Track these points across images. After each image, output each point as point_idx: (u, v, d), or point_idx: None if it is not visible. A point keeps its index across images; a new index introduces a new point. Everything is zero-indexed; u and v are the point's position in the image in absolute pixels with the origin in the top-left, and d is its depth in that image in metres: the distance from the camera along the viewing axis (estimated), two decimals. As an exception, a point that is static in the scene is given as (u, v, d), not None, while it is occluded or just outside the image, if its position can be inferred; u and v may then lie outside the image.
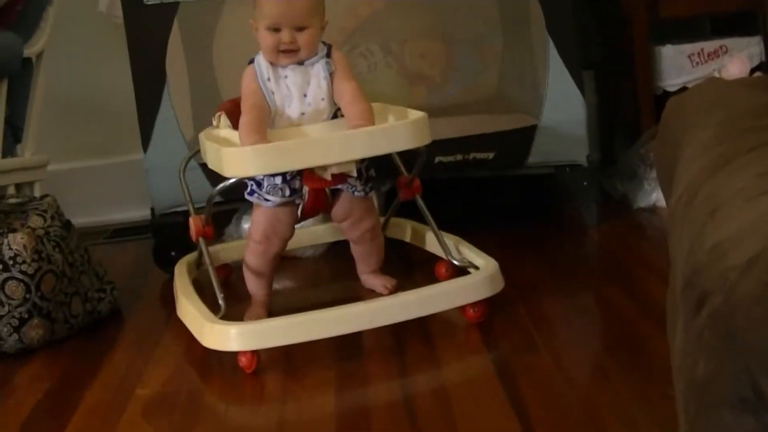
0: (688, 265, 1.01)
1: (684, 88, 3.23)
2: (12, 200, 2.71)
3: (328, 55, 2.34)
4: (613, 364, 2.06)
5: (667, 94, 3.25)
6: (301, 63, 2.32)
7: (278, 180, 2.33)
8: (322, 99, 2.32)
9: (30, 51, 3.08)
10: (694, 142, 1.39)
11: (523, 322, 2.29)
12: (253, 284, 2.45)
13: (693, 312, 0.94)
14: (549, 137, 2.85)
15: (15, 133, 3.11)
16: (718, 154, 1.26)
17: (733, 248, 0.91)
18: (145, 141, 2.85)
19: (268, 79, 2.30)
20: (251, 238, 2.43)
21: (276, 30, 2.28)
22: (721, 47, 3.26)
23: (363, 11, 2.88)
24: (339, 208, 2.45)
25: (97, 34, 3.63)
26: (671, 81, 3.25)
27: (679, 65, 3.25)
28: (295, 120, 2.32)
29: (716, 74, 3.24)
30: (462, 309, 2.29)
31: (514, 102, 2.88)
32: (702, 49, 3.25)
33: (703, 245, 0.99)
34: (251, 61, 2.35)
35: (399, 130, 2.22)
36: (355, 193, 2.41)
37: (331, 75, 2.32)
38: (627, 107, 3.34)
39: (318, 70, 2.32)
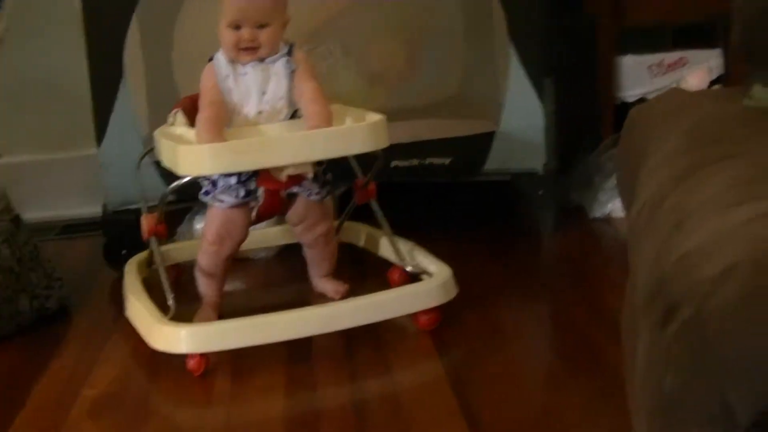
0: (653, 276, 0.99)
1: (642, 99, 3.23)
2: (-40, 193, 2.66)
3: (290, 53, 2.32)
4: (566, 373, 2.06)
5: (625, 105, 3.23)
6: (261, 60, 2.29)
7: (233, 180, 2.30)
8: (281, 98, 2.29)
9: (-16, 40, 3.04)
10: (657, 151, 1.38)
11: (475, 329, 2.28)
12: (205, 286, 2.41)
13: (659, 325, 0.92)
14: (507, 144, 2.83)
15: (-34, 124, 3.06)
16: (683, 164, 1.25)
17: (704, 259, 0.89)
18: (100, 135, 2.80)
19: (227, 77, 2.27)
20: (204, 239, 2.39)
21: (237, 27, 2.25)
22: (681, 59, 3.26)
23: (324, 11, 2.86)
24: (294, 212, 2.42)
25: (54, 23, 3.57)
26: (630, 92, 3.25)
27: (638, 76, 3.24)
28: (252, 118, 2.29)
29: (675, 86, 3.24)
30: (414, 315, 2.28)
31: (474, 107, 2.87)
32: (662, 60, 3.25)
33: (669, 256, 0.97)
34: (211, 59, 2.32)
35: (357, 133, 2.20)
36: (311, 196, 2.38)
37: (292, 74, 2.29)
38: (587, 116, 3.33)
39: (278, 68, 2.29)
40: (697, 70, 3.18)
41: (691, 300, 0.86)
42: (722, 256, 0.87)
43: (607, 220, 3.03)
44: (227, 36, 2.26)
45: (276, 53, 2.30)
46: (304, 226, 2.46)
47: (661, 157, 1.33)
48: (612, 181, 3.02)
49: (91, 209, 3.39)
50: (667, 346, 0.90)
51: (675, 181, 1.19)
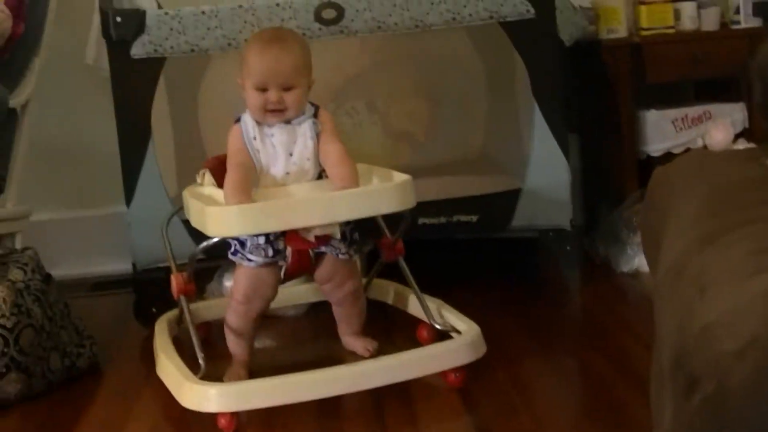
0: (676, 344, 1.00)
1: (668, 153, 3.25)
2: (-8, 252, 2.69)
3: (316, 115, 2.34)
4: (593, 429, 2.05)
5: (650, 159, 3.26)
6: (288, 122, 2.31)
7: (261, 240, 2.32)
8: (308, 159, 2.32)
9: (15, 101, 3.07)
10: (680, 214, 1.39)
11: (503, 386, 2.28)
12: (234, 344, 2.43)
13: (684, 396, 0.93)
14: (533, 201, 2.85)
15: (-3, 183, 3.09)
16: (705, 228, 1.26)
17: (725, 332, 0.90)
18: (129, 195, 2.83)
19: (254, 138, 2.30)
20: (233, 298, 2.41)
21: (263, 89, 2.28)
22: (705, 113, 3.28)
23: (349, 69, 2.89)
24: (322, 271, 2.44)
25: (82, 85, 3.63)
26: (655, 146, 3.27)
27: (663, 130, 3.26)
28: (279, 179, 2.32)
29: (700, 140, 3.25)
30: (443, 373, 2.28)
31: (499, 164, 2.89)
32: (686, 115, 3.27)
33: (692, 325, 0.98)
34: (238, 120, 2.35)
35: (384, 193, 2.22)
36: (339, 255, 2.40)
37: (318, 135, 2.32)
38: (611, 171, 3.34)
39: (305, 129, 2.32)
40: (721, 124, 3.19)
41: (713, 374, 0.88)
42: (742, 330, 0.88)
43: (635, 274, 3.04)
44: (253, 98, 2.30)
45: (302, 114, 2.33)
46: (332, 285, 2.47)
47: (684, 221, 1.34)
48: (638, 236, 3.03)
49: (120, 266, 3.44)
50: (690, 419, 0.91)
51: (697, 246, 1.20)
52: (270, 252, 2.33)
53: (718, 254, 1.12)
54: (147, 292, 2.90)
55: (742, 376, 0.83)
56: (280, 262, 2.37)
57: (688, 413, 0.91)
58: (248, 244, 2.34)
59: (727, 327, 0.91)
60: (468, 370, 2.29)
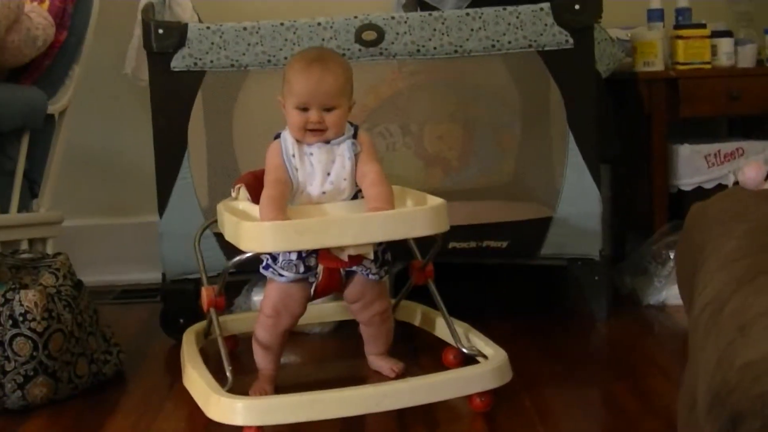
0: (716, 380, 1.01)
1: (699, 188, 3.25)
2: (24, 255, 2.71)
3: (355, 135, 2.36)
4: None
5: (681, 193, 3.26)
6: (327, 141, 2.33)
7: (293, 256, 2.34)
8: (345, 179, 2.33)
9: (53, 107, 3.11)
10: (718, 251, 1.40)
11: (528, 414, 2.28)
12: (261, 358, 2.44)
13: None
14: (563, 229, 2.86)
15: (32, 187, 3.12)
16: (743, 267, 1.27)
17: (768, 371, 0.91)
18: (162, 206, 2.86)
19: (293, 156, 2.32)
20: (261, 312, 2.43)
21: (304, 109, 2.30)
22: (737, 149, 3.28)
23: (384, 91, 2.90)
24: (352, 290, 2.45)
25: (119, 95, 3.66)
26: (686, 180, 3.27)
27: (695, 165, 3.26)
28: (315, 198, 2.33)
29: (732, 176, 3.25)
30: (468, 397, 2.28)
31: (530, 191, 2.90)
32: (719, 151, 3.27)
33: (732, 363, 0.99)
34: (277, 136, 2.37)
35: (418, 216, 2.22)
36: (370, 276, 2.41)
37: (356, 155, 2.33)
38: (641, 203, 3.35)
39: (343, 150, 2.33)
40: (753, 162, 3.19)
41: (757, 413, 0.88)
42: (788, 370, 0.88)
43: (662, 307, 3.04)
44: (295, 117, 2.31)
45: (342, 135, 2.34)
46: (361, 305, 2.48)
47: (722, 259, 1.35)
48: (666, 269, 3.03)
49: (148, 275, 3.46)
50: (733, 457, 0.92)
51: (736, 284, 1.20)
52: (301, 268, 2.34)
53: (757, 293, 1.13)
54: (175, 302, 2.92)
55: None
56: (311, 279, 2.38)
57: (731, 450, 0.92)
58: (280, 259, 2.35)
59: (770, 366, 0.92)
60: (493, 395, 2.29)
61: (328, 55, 2.42)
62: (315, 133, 2.31)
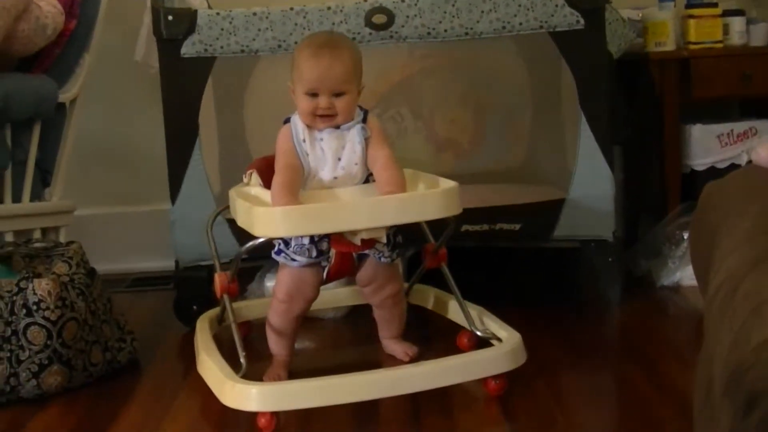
0: (732, 360, 1.00)
1: (712, 168, 3.24)
2: (37, 244, 2.71)
3: (364, 120, 2.35)
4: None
5: (694, 173, 3.25)
6: (337, 127, 2.33)
7: (306, 241, 2.34)
8: (356, 164, 2.33)
9: (64, 96, 3.10)
10: (733, 230, 1.39)
11: (543, 398, 2.28)
12: (275, 344, 2.44)
13: (742, 412, 0.93)
14: (576, 211, 2.85)
15: (44, 176, 3.12)
16: (758, 247, 1.26)
17: (785, 350, 0.90)
18: (174, 193, 2.86)
19: (304, 141, 2.31)
20: (275, 297, 2.43)
21: (314, 95, 2.30)
22: (750, 129, 3.27)
23: (395, 75, 2.90)
24: (364, 273, 2.45)
25: (130, 82, 3.66)
26: (699, 160, 3.26)
27: (707, 145, 3.25)
28: (326, 183, 2.33)
29: (745, 155, 3.24)
30: (483, 381, 2.28)
31: (543, 174, 2.89)
32: (731, 130, 3.26)
33: (748, 342, 0.98)
34: (287, 120, 2.36)
35: (430, 199, 2.22)
36: (382, 259, 2.41)
37: (366, 140, 2.33)
38: (654, 185, 3.34)
39: (353, 135, 2.33)
40: (767, 141, 3.18)
41: (773, 391, 0.88)
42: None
43: (676, 288, 3.03)
44: (304, 103, 2.31)
45: (351, 120, 2.34)
46: (373, 288, 2.48)
47: (737, 238, 1.34)
48: (680, 250, 3.02)
49: (161, 263, 3.46)
50: (749, 436, 0.91)
51: (751, 264, 1.20)
52: (314, 253, 2.34)
53: (774, 272, 1.12)
54: (188, 289, 2.92)
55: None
56: (323, 263, 2.38)
57: (747, 430, 0.91)
58: (292, 244, 2.35)
59: (787, 345, 0.91)
60: (508, 379, 2.29)
61: (338, 39, 2.41)
62: (325, 118, 2.31)
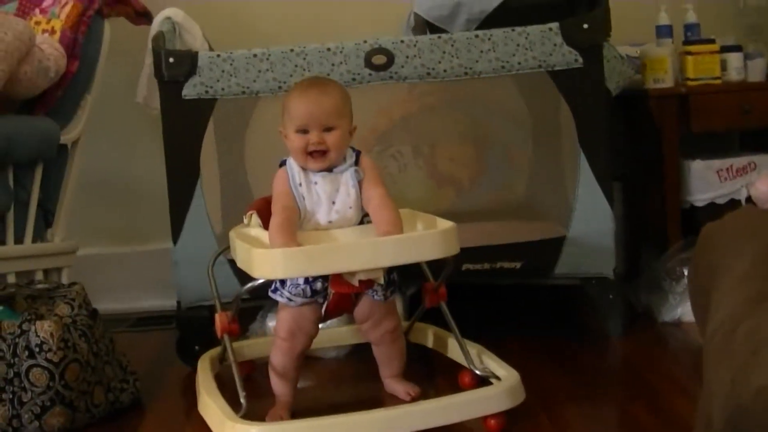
0: (731, 403, 1.01)
1: (712, 204, 3.25)
2: (40, 285, 2.72)
3: (357, 162, 2.37)
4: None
5: (694, 209, 3.26)
6: (330, 170, 2.35)
7: (300, 281, 2.35)
8: (350, 207, 2.35)
9: (66, 137, 3.12)
10: (730, 272, 1.40)
11: (545, 431, 2.28)
12: (278, 385, 2.44)
13: (738, 457, 0.93)
14: (577, 249, 2.86)
15: (46, 217, 3.13)
16: (756, 288, 1.26)
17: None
18: (176, 233, 2.86)
19: (300, 184, 2.34)
20: (277, 336, 2.43)
21: (304, 132, 2.32)
22: (750, 164, 3.27)
23: (396, 113, 2.91)
24: (360, 310, 2.46)
25: (132, 123, 3.68)
26: (699, 195, 3.26)
27: (707, 180, 3.25)
28: (322, 226, 2.35)
29: (744, 190, 3.24)
30: (483, 419, 2.28)
31: (543, 211, 2.90)
32: (731, 165, 3.26)
33: (748, 385, 0.98)
34: (283, 163, 2.38)
35: (428, 240, 2.23)
36: (375, 297, 2.42)
37: (360, 182, 2.35)
38: (654, 220, 3.34)
39: (347, 178, 2.35)
40: (766, 176, 3.18)
41: (772, 438, 0.88)
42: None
43: (677, 324, 3.03)
44: (295, 141, 2.34)
45: (344, 161, 2.36)
46: (370, 324, 2.49)
47: (734, 279, 1.34)
48: (681, 286, 3.03)
49: (164, 302, 3.47)
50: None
51: (748, 305, 1.20)
52: (308, 292, 2.36)
53: (771, 314, 1.13)
54: (190, 329, 2.92)
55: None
56: (320, 300, 2.39)
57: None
58: (288, 283, 2.36)
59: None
60: (508, 416, 2.29)
61: (324, 79, 2.50)
62: (316, 156, 2.33)
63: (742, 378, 1.02)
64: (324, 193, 2.34)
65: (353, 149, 2.40)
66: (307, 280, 2.35)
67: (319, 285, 2.35)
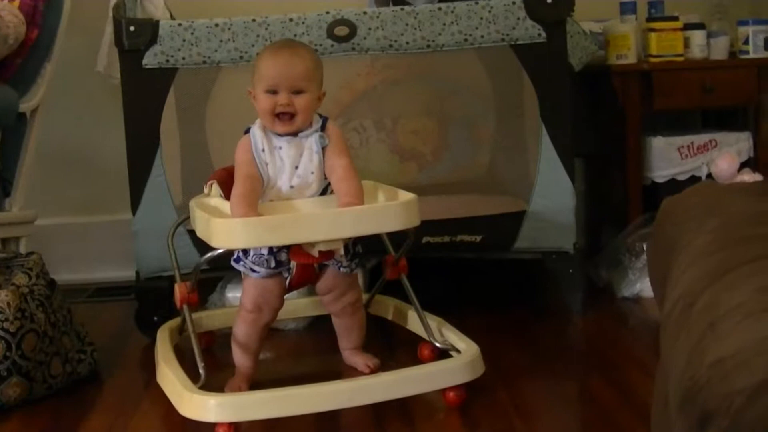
0: (687, 377, 1.01)
1: (672, 180, 3.26)
2: (-3, 255, 2.70)
3: (323, 128, 2.36)
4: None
5: (655, 185, 3.27)
6: (295, 135, 2.33)
7: (264, 251, 2.34)
8: (312, 172, 2.33)
9: (25, 106, 3.08)
10: (689, 247, 1.40)
11: (504, 408, 2.29)
12: (240, 356, 2.43)
13: (696, 429, 0.94)
14: (537, 223, 2.86)
15: (4, 186, 3.10)
16: (715, 262, 1.27)
17: (737, 369, 0.91)
18: (135, 204, 2.85)
19: (263, 150, 2.32)
20: (242, 308, 2.42)
21: (273, 92, 2.31)
22: (710, 141, 3.29)
23: (359, 86, 2.90)
24: (323, 282, 2.46)
25: (92, 92, 3.64)
26: (660, 172, 3.27)
27: (668, 157, 3.27)
28: (284, 192, 2.34)
29: (705, 168, 3.26)
30: (442, 391, 2.29)
31: (504, 185, 2.90)
32: (692, 143, 3.28)
33: (703, 359, 0.99)
34: (247, 131, 2.37)
35: (388, 211, 2.23)
36: (341, 269, 2.42)
37: (324, 149, 2.33)
38: (616, 196, 3.36)
39: (311, 143, 2.34)
40: (726, 153, 3.20)
41: (727, 411, 0.88)
42: (754, 368, 0.88)
43: (636, 299, 3.05)
44: (264, 101, 2.32)
45: (310, 126, 2.35)
46: (332, 296, 2.49)
47: (693, 254, 1.35)
48: (641, 262, 3.04)
49: (123, 273, 3.44)
50: (702, 455, 0.92)
51: (707, 280, 1.20)
52: (272, 263, 2.35)
53: (729, 289, 1.13)
54: (149, 300, 2.91)
55: (757, 415, 0.84)
56: (284, 273, 2.38)
57: (700, 447, 0.92)
58: (251, 254, 2.35)
59: (741, 363, 0.91)
60: (468, 389, 2.30)
61: (297, 43, 2.49)
62: (284, 118, 2.31)
63: (698, 352, 1.03)
64: (288, 158, 2.33)
65: (320, 115, 2.39)
66: (271, 251, 2.34)
67: (284, 256, 2.35)
